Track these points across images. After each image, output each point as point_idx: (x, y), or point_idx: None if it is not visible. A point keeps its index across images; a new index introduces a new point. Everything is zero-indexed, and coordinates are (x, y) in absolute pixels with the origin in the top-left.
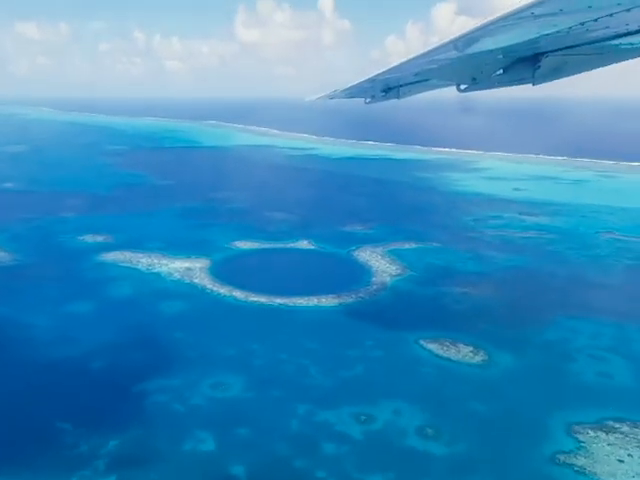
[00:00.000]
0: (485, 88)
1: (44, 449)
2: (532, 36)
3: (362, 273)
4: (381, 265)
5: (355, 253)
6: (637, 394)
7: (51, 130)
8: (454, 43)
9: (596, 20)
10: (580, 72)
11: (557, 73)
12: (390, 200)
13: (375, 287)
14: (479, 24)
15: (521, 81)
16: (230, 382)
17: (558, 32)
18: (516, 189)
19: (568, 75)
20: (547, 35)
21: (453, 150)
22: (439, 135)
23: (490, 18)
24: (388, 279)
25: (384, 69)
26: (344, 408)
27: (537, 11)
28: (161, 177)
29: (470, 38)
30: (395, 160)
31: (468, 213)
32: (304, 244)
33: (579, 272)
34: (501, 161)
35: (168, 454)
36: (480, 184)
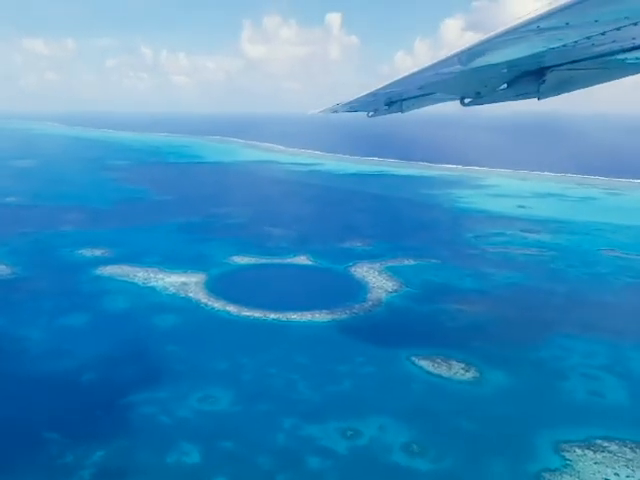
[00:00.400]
0: (489, 102)
1: (29, 458)
2: (537, 50)
3: (358, 289)
4: (377, 281)
5: (352, 269)
6: (627, 413)
7: (57, 145)
8: (459, 57)
9: (603, 34)
10: (585, 87)
11: (562, 87)
12: (391, 216)
13: (370, 303)
14: (484, 37)
15: (526, 95)
16: (218, 395)
17: (564, 46)
18: (520, 206)
19: (573, 89)
20: (553, 49)
21: (458, 167)
22: (444, 151)
23: (495, 31)
24: (384, 295)
25: (387, 82)
26: (330, 423)
27: (543, 24)
28: (162, 192)
29: (475, 52)
30: (398, 176)
31: (469, 230)
32: (302, 260)
33: (577, 290)
34: (506, 178)
35: (151, 465)
36: (483, 201)
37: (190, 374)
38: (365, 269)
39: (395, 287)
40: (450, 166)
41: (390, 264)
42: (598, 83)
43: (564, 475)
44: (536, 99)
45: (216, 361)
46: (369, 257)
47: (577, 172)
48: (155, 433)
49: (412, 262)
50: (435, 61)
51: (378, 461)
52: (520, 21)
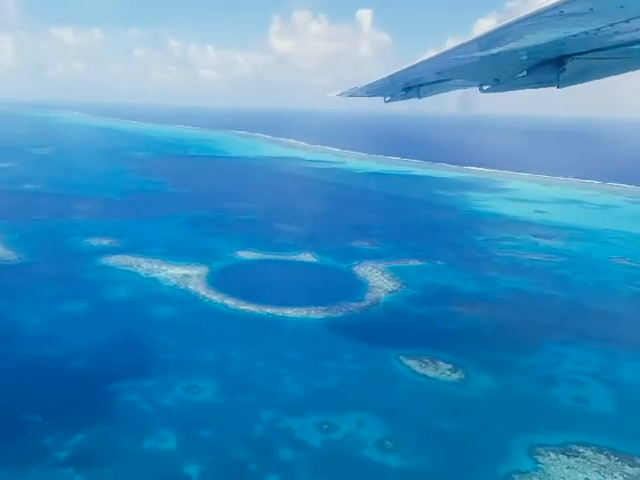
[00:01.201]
0: (508, 89)
1: (8, 439)
2: (559, 37)
3: (358, 288)
4: (379, 281)
5: (355, 268)
6: (609, 421)
7: (81, 134)
8: (478, 42)
9: (627, 21)
10: (606, 76)
11: (583, 77)
12: (404, 217)
13: (368, 302)
14: (505, 22)
15: (545, 84)
16: (203, 386)
17: (586, 33)
18: (537, 211)
19: (594, 79)
20: (575, 36)
21: (481, 169)
22: (469, 153)
23: (517, 16)
24: (383, 295)
25: (405, 67)
26: (309, 417)
27: (567, 10)
28: (178, 185)
29: (495, 37)
30: (418, 177)
31: (481, 233)
32: (306, 257)
33: (580, 297)
34: (528, 182)
35: (126, 450)
36: (501, 205)
37: (178, 364)
38: (369, 268)
39: (395, 287)
40: (473, 168)
41: (394, 264)
42: (619, 73)
43: (533, 478)
44: (555, 87)
45: (206, 352)
46: (375, 257)
47: (603, 179)
48: (136, 420)
49: (417, 263)
50: (454, 46)
51: (349, 455)
52: (543, 6)
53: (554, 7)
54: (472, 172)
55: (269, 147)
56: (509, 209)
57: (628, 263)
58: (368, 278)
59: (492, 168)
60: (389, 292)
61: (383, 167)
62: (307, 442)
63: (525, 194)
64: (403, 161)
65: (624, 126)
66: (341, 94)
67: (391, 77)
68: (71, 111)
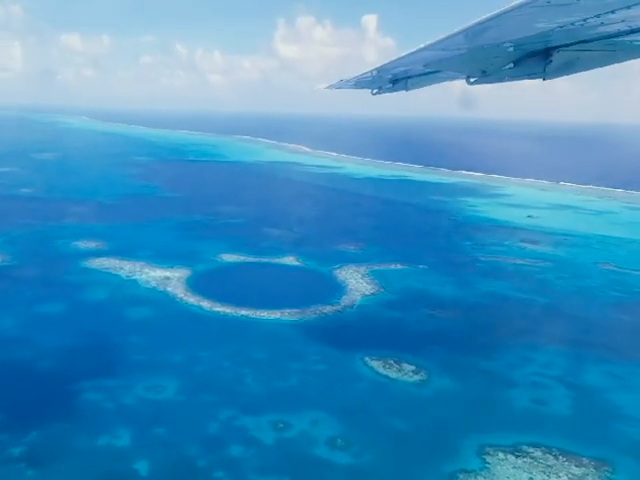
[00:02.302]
0: (495, 81)
1: None
2: (546, 28)
3: (336, 291)
4: (357, 284)
5: (337, 271)
6: (564, 423)
7: (85, 139)
8: (465, 34)
9: (613, 12)
10: (591, 68)
11: (568, 68)
12: (395, 222)
13: (343, 305)
14: (493, 13)
15: (531, 75)
16: (165, 385)
17: (572, 24)
18: (529, 217)
19: (579, 71)
20: (561, 28)
21: (480, 174)
22: (471, 159)
23: (504, 7)
24: (359, 298)
25: (392, 59)
26: (266, 416)
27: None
28: (173, 189)
29: (482, 28)
30: (416, 182)
31: (469, 238)
32: (289, 260)
33: (557, 301)
34: (526, 187)
35: (80, 447)
36: (493, 210)
37: (145, 364)
38: (350, 272)
39: (373, 290)
40: (472, 173)
41: (376, 268)
42: (604, 65)
43: (478, 477)
44: (541, 79)
45: (174, 353)
46: (358, 260)
47: (603, 184)
48: (94, 418)
49: (398, 267)
50: (441, 37)
51: (298, 453)
52: None
53: None
54: (470, 177)
55: (270, 152)
56: (501, 214)
57: (613, 268)
58: (347, 281)
59: (491, 173)
60: (365, 295)
61: (382, 172)
62: (259, 440)
63: (520, 199)
64: (404, 166)
65: (631, 130)
66: (329, 87)
67: (378, 70)
68: (79, 116)
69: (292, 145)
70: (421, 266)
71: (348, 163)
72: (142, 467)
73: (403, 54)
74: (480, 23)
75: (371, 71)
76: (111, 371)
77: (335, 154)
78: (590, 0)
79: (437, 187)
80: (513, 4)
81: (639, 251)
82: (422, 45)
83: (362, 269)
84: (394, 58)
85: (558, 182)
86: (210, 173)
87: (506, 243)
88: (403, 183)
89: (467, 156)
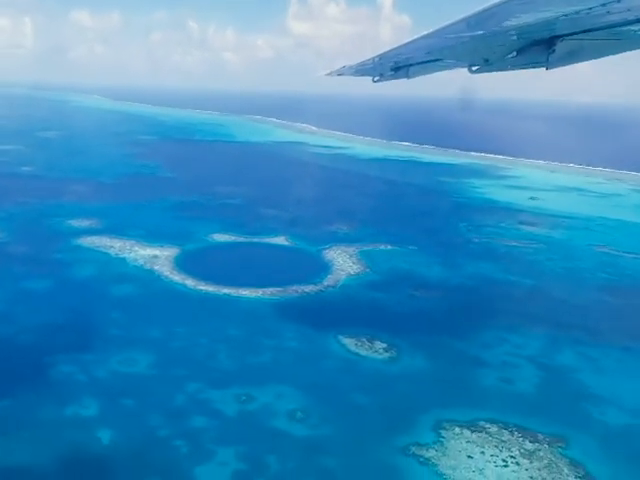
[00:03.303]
0: (497, 70)
1: None
2: (550, 16)
3: (320, 270)
4: (344, 264)
5: (325, 251)
6: (527, 400)
7: (93, 118)
8: (468, 21)
9: (619, 1)
10: (595, 58)
11: (572, 58)
12: (393, 203)
13: (325, 284)
14: (496, 1)
15: (535, 64)
16: (139, 359)
17: (577, 13)
18: (532, 198)
19: (583, 60)
20: (565, 16)
21: (490, 155)
22: (484, 139)
23: None
24: (343, 277)
25: (394, 47)
26: (232, 389)
27: None
28: (174, 169)
29: (486, 16)
30: (423, 163)
31: (466, 219)
32: (280, 240)
33: (543, 283)
34: (535, 169)
35: (47, 416)
36: (497, 192)
37: (122, 339)
38: (338, 252)
39: (358, 270)
40: (483, 155)
41: (366, 248)
42: (609, 54)
43: (430, 450)
44: (544, 69)
45: (152, 329)
46: (349, 240)
47: (614, 167)
48: (64, 389)
49: (388, 247)
50: (444, 25)
51: (258, 424)
52: None
53: None
54: (480, 158)
55: (278, 132)
56: (504, 196)
57: (608, 251)
58: (334, 261)
59: (502, 155)
60: (350, 275)
61: (389, 153)
62: (221, 411)
63: (527, 181)
64: (412, 147)
65: None
66: (330, 73)
67: (380, 57)
68: (91, 94)
69: (302, 125)
70: (411, 247)
71: (356, 143)
72: (104, 436)
73: (405, 41)
74: (483, 11)
75: (373, 58)
76: (87, 345)
77: (344, 134)
78: None
79: (444, 168)
80: None
81: (638, 234)
82: (424, 32)
83: (351, 249)
84: (395, 46)
85: (569, 164)
86: (214, 153)
87: (503, 225)
88: (409, 164)
89: (480, 137)
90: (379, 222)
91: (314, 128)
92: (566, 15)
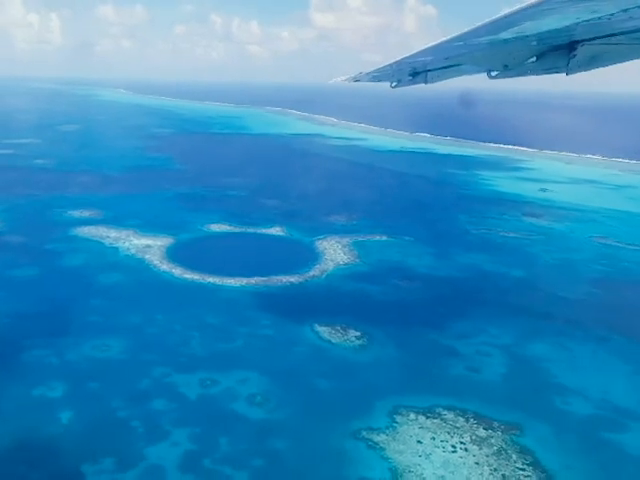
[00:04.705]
0: (517, 75)
1: None
2: (570, 22)
3: (310, 260)
4: (334, 254)
5: (318, 242)
6: (490, 389)
7: (113, 111)
8: (488, 27)
9: None
10: (616, 63)
11: (593, 63)
12: (398, 195)
13: (312, 274)
14: (517, 7)
15: (555, 70)
16: (113, 345)
17: (599, 19)
18: (542, 190)
19: (604, 65)
20: (587, 21)
21: (508, 147)
22: (504, 131)
23: (530, 1)
24: (331, 267)
25: (412, 52)
26: (197, 374)
27: None
28: (183, 161)
29: (506, 22)
30: (438, 155)
31: (468, 211)
32: (275, 230)
33: (534, 274)
34: (552, 160)
35: (12, 398)
36: (507, 183)
37: (99, 325)
38: (331, 242)
39: (348, 261)
40: (500, 146)
41: (360, 239)
42: (631, 59)
43: (381, 434)
44: (565, 74)
45: (132, 316)
46: (345, 231)
47: (634, 157)
48: (33, 372)
49: (384, 238)
50: (464, 31)
51: (214, 407)
52: None
53: None
54: (497, 150)
55: (298, 124)
56: (513, 187)
57: (608, 242)
58: (326, 251)
59: (519, 146)
60: (339, 265)
61: (406, 144)
62: (184, 395)
63: (540, 173)
64: (430, 138)
65: None
66: (346, 79)
67: (398, 63)
68: (117, 89)
69: (322, 117)
70: (407, 238)
71: (374, 135)
72: (64, 416)
73: (423, 47)
74: (503, 17)
75: (390, 64)
76: (64, 330)
77: (363, 126)
78: None
79: (458, 160)
80: None
81: None
82: (443, 38)
83: (345, 240)
84: (413, 52)
85: (587, 155)
86: (228, 146)
87: (505, 216)
88: (423, 156)
89: (500, 128)
90: (379, 213)
91: (335, 120)
92: (587, 21)
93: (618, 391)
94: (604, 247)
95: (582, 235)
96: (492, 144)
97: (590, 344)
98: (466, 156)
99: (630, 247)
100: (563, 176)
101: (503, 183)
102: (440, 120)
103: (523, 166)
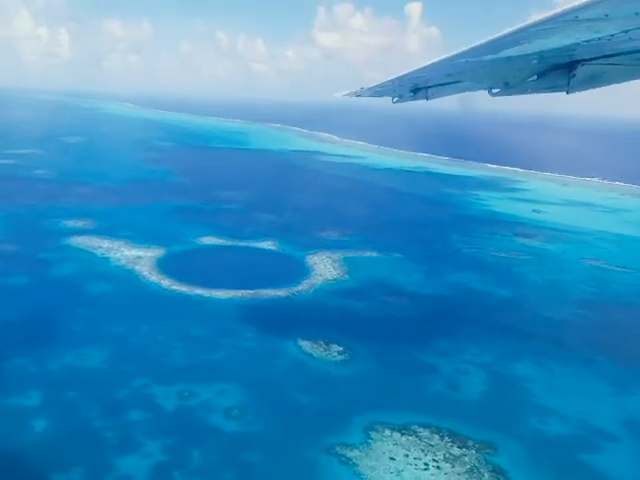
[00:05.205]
0: (518, 93)
1: None
2: (571, 42)
3: (299, 275)
4: (324, 269)
5: (309, 257)
6: (466, 407)
7: (118, 124)
8: (490, 45)
9: None
10: (616, 83)
11: (593, 82)
12: (392, 213)
13: (300, 288)
14: (519, 26)
15: (555, 89)
16: (95, 354)
17: (599, 39)
18: (535, 211)
19: (603, 85)
20: (587, 42)
21: (505, 168)
22: (503, 152)
23: (532, 20)
24: (319, 282)
25: (414, 68)
26: (176, 385)
27: (582, 15)
28: (181, 174)
29: (507, 41)
30: (435, 174)
31: (460, 230)
32: (267, 244)
33: (521, 295)
34: (546, 182)
35: None
36: (501, 204)
37: (83, 335)
38: (322, 258)
39: (337, 276)
40: (498, 167)
41: (350, 255)
42: (631, 79)
43: (354, 450)
44: (565, 93)
45: (117, 325)
46: (336, 247)
47: (634, 182)
48: (13, 380)
49: (374, 254)
50: (466, 48)
51: (190, 419)
52: (559, 11)
53: (570, 12)
54: (495, 171)
55: (298, 140)
56: (507, 208)
57: (598, 264)
58: (315, 266)
59: (518, 167)
60: (327, 280)
61: (404, 163)
62: (161, 406)
63: (535, 194)
64: (430, 158)
65: None
66: (348, 94)
67: (399, 78)
68: (124, 103)
69: (323, 134)
70: (397, 255)
71: (374, 153)
72: (39, 425)
73: (425, 63)
74: (504, 36)
75: (392, 80)
76: (48, 339)
77: (365, 144)
78: (619, 17)
79: (454, 179)
80: (539, 18)
81: (636, 249)
82: (445, 55)
83: (336, 255)
84: (415, 68)
85: (585, 177)
86: (226, 160)
87: (497, 236)
88: (421, 175)
89: (499, 150)
90: (372, 230)
91: (336, 138)
92: (588, 41)
93: (596, 412)
94: (594, 269)
95: (573, 256)
96: (490, 165)
97: (572, 365)
98: (463, 176)
99: (621, 270)
100: (558, 198)
101: (497, 203)
102: (439, 140)
103: (519, 187)
